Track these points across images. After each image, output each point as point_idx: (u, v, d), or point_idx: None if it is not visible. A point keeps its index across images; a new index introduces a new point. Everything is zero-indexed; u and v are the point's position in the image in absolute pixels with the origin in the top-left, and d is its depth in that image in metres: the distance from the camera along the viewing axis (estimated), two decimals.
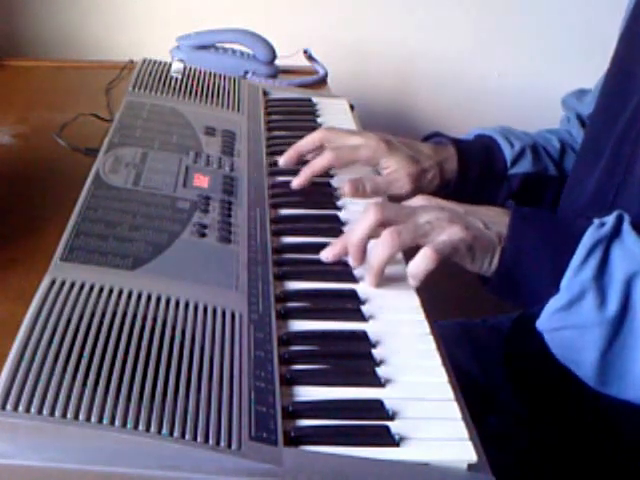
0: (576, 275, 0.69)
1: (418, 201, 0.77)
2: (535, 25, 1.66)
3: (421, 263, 0.71)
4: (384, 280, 0.76)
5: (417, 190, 0.91)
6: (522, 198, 0.98)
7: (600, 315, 0.68)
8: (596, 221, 0.72)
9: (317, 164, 0.90)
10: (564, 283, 0.69)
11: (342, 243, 0.76)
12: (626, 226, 0.71)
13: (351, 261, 0.76)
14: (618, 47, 0.91)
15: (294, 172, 0.95)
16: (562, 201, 0.93)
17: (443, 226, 0.72)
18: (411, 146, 0.95)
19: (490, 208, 0.77)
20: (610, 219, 0.72)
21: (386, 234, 0.72)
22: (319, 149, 0.93)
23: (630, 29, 0.90)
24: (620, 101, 0.85)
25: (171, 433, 0.53)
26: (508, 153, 0.99)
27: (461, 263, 0.73)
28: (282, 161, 0.94)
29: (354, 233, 0.75)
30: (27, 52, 1.55)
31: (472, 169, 0.97)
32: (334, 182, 0.93)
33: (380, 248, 0.73)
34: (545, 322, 0.70)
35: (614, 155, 0.84)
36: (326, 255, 0.77)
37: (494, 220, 0.74)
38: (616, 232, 0.71)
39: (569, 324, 0.69)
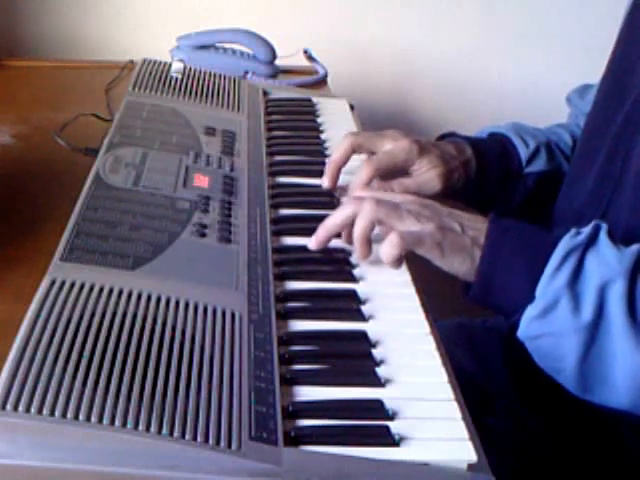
0: (550, 282, 0.69)
1: (407, 196, 0.78)
2: (535, 25, 1.66)
3: (387, 248, 0.72)
4: (384, 281, 0.76)
5: (447, 190, 0.91)
6: (538, 195, 0.99)
7: (575, 322, 0.67)
8: (572, 230, 0.72)
9: (360, 180, 0.86)
10: (539, 291, 0.69)
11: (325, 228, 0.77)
12: (602, 235, 0.71)
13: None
14: (616, 46, 0.91)
15: (294, 172, 0.95)
16: (560, 199, 0.93)
17: (420, 219, 0.74)
18: (437, 145, 0.94)
19: (475, 216, 0.77)
20: (587, 228, 0.71)
21: (366, 202, 0.74)
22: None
23: (628, 28, 0.90)
24: (617, 99, 0.85)
25: (171, 433, 0.53)
26: (523, 153, 0.98)
27: (430, 258, 0.73)
28: (326, 182, 0.90)
29: (335, 218, 0.77)
30: (27, 52, 1.55)
31: (490, 170, 0.97)
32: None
33: (359, 218, 0.75)
34: (523, 330, 0.70)
35: (611, 153, 0.84)
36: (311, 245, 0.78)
37: (473, 226, 0.75)
38: (592, 240, 0.70)
39: (546, 332, 0.69)
